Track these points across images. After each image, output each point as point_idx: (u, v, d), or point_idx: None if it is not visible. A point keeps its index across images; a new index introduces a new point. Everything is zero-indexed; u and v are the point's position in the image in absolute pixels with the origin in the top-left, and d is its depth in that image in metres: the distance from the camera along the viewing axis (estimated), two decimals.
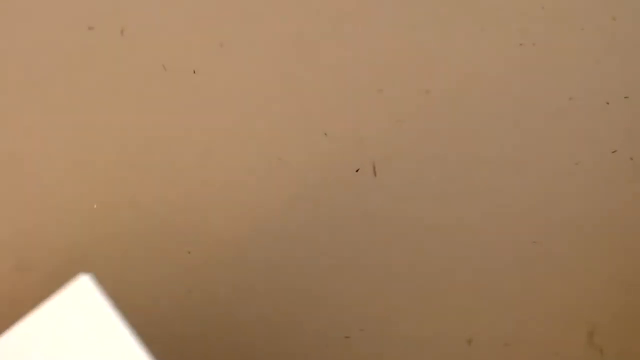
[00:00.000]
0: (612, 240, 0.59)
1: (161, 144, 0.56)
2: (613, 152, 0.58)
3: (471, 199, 0.58)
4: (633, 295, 0.59)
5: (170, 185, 0.57)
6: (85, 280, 0.39)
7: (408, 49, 0.57)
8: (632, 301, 0.59)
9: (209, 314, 0.58)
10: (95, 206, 0.56)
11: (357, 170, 0.57)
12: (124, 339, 0.38)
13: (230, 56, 0.56)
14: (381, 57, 0.57)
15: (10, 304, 0.56)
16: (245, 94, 0.57)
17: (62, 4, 0.55)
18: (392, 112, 0.57)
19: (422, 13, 0.56)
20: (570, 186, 0.58)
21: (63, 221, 0.56)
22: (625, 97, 0.58)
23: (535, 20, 0.56)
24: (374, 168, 0.57)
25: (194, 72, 0.56)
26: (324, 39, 0.57)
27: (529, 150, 0.58)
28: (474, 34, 0.56)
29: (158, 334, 0.55)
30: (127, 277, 0.57)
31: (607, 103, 0.57)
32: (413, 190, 0.57)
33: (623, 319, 0.59)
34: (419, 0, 0.56)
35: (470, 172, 0.58)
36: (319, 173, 0.57)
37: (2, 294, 0.56)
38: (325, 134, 0.57)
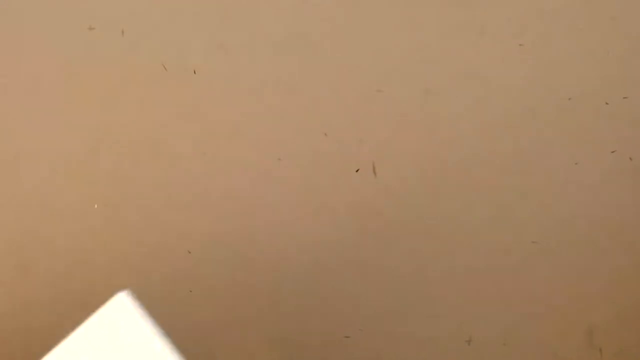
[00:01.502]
0: (612, 240, 0.59)
1: (161, 144, 0.56)
2: (612, 152, 0.58)
3: (471, 199, 0.58)
4: (632, 295, 0.59)
5: (170, 185, 0.57)
6: (122, 297, 0.38)
7: (408, 49, 0.57)
8: (632, 301, 0.59)
9: (210, 314, 0.58)
10: (95, 206, 0.56)
11: (357, 170, 0.57)
12: (164, 355, 0.38)
13: (230, 56, 0.56)
14: (381, 57, 0.57)
15: (10, 304, 0.56)
16: (245, 94, 0.57)
17: (62, 4, 0.55)
18: (392, 112, 0.57)
19: (422, 13, 0.56)
20: (570, 186, 0.58)
21: (63, 221, 0.56)
22: (625, 98, 0.58)
23: (535, 20, 0.56)
24: (374, 168, 0.57)
25: (194, 72, 0.56)
26: (323, 40, 0.57)
27: (528, 150, 0.58)
28: (474, 34, 0.56)
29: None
30: (127, 277, 0.57)
31: (607, 103, 0.58)
32: (413, 190, 0.57)
33: (622, 319, 0.60)
34: (419, 1, 0.56)
35: (470, 172, 0.58)
36: (319, 173, 0.57)
37: (2, 294, 0.56)
38: (325, 134, 0.57)
